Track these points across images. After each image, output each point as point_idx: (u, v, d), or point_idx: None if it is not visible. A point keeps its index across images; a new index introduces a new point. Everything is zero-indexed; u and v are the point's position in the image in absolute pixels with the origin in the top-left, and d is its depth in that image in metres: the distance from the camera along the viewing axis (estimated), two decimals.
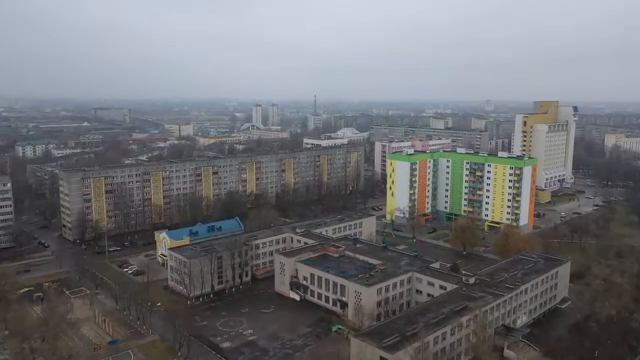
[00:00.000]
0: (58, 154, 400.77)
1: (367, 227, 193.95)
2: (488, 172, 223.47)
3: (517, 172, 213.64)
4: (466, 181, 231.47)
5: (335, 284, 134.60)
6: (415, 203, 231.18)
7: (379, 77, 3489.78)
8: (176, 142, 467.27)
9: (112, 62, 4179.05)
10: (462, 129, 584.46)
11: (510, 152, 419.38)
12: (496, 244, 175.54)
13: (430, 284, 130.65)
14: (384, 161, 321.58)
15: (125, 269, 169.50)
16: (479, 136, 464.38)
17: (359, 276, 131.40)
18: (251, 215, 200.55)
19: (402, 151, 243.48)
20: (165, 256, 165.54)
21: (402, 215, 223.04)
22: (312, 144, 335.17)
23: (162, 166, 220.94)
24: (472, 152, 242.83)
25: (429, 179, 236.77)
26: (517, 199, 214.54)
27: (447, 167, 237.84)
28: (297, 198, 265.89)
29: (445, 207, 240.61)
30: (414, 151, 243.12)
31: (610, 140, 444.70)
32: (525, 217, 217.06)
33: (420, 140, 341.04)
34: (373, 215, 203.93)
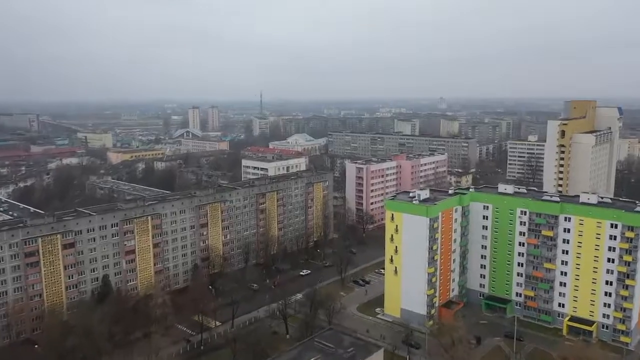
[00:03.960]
0: None
1: None
2: (566, 230, 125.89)
3: (629, 233, 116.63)
4: (522, 244, 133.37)
5: None
6: (437, 287, 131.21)
7: (328, 77, 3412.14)
8: (73, 161, 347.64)
9: (37, 61, 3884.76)
10: (432, 134, 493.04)
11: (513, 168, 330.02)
12: None
13: None
14: (360, 190, 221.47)
15: None
16: (466, 145, 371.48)
17: None
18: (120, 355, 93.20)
19: (410, 194, 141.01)
20: None
21: (414, 310, 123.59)
22: (255, 169, 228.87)
23: None
24: (525, 190, 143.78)
25: (455, 240, 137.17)
26: (629, 282, 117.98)
27: (485, 218, 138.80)
28: (228, 268, 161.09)
29: (482, 286, 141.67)
30: (433, 196, 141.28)
31: (622, 149, 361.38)
32: (636, 313, 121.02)
33: (409, 158, 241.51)
34: (379, 346, 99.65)
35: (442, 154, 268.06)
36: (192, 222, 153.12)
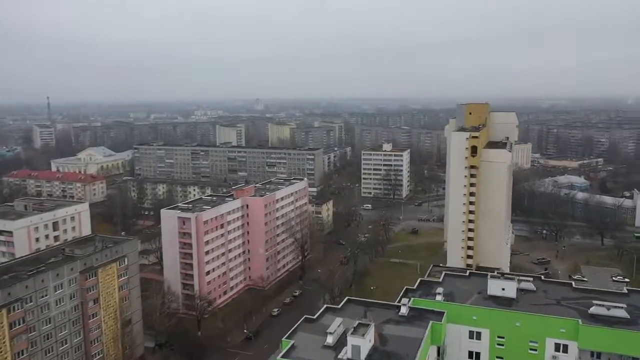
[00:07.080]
0: None
1: None
2: None
3: None
4: None
5: None
6: None
7: (134, 76, 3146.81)
8: None
9: None
10: (264, 144, 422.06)
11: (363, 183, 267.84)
12: None
13: None
14: (188, 254, 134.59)
15: None
16: (312, 157, 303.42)
17: None
18: None
19: (327, 338, 60.66)
20: None
21: None
22: None
23: None
24: (531, 285, 73.85)
25: None
26: None
27: (476, 357, 65.83)
28: None
29: None
30: (384, 339, 63.47)
31: None
32: None
33: (262, 193, 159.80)
34: None
35: (300, 178, 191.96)
36: None
